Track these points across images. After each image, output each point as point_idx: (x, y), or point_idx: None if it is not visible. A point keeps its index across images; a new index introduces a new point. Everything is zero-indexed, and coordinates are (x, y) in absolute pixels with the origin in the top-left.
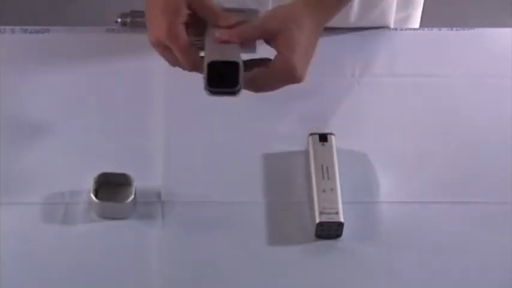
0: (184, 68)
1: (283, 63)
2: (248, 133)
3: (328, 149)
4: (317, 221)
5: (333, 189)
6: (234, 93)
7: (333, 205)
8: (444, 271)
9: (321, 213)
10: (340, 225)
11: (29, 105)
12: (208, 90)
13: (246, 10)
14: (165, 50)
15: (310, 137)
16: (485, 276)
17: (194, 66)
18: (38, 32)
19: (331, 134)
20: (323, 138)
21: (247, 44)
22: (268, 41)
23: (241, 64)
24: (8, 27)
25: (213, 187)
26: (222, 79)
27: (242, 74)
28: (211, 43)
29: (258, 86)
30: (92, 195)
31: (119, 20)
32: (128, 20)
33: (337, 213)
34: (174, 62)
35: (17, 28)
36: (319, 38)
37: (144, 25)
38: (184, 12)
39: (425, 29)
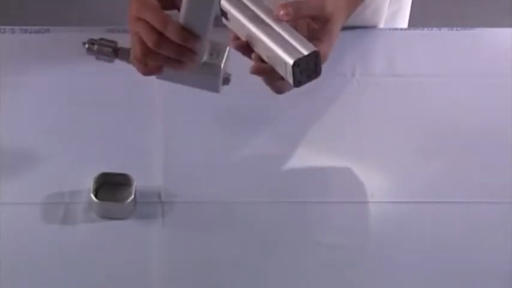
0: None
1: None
2: (248, 133)
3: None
4: (290, 62)
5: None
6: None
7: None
8: (443, 271)
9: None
10: (317, 55)
11: (28, 105)
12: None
13: (217, 42)
14: (139, 23)
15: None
16: (485, 276)
17: (165, 26)
18: (38, 32)
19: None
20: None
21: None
22: (312, 24)
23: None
24: (8, 27)
25: (213, 187)
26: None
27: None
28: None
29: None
30: (92, 195)
31: (86, 45)
32: (95, 47)
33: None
34: (147, 36)
35: (17, 28)
36: None
37: (110, 54)
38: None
39: (425, 29)
